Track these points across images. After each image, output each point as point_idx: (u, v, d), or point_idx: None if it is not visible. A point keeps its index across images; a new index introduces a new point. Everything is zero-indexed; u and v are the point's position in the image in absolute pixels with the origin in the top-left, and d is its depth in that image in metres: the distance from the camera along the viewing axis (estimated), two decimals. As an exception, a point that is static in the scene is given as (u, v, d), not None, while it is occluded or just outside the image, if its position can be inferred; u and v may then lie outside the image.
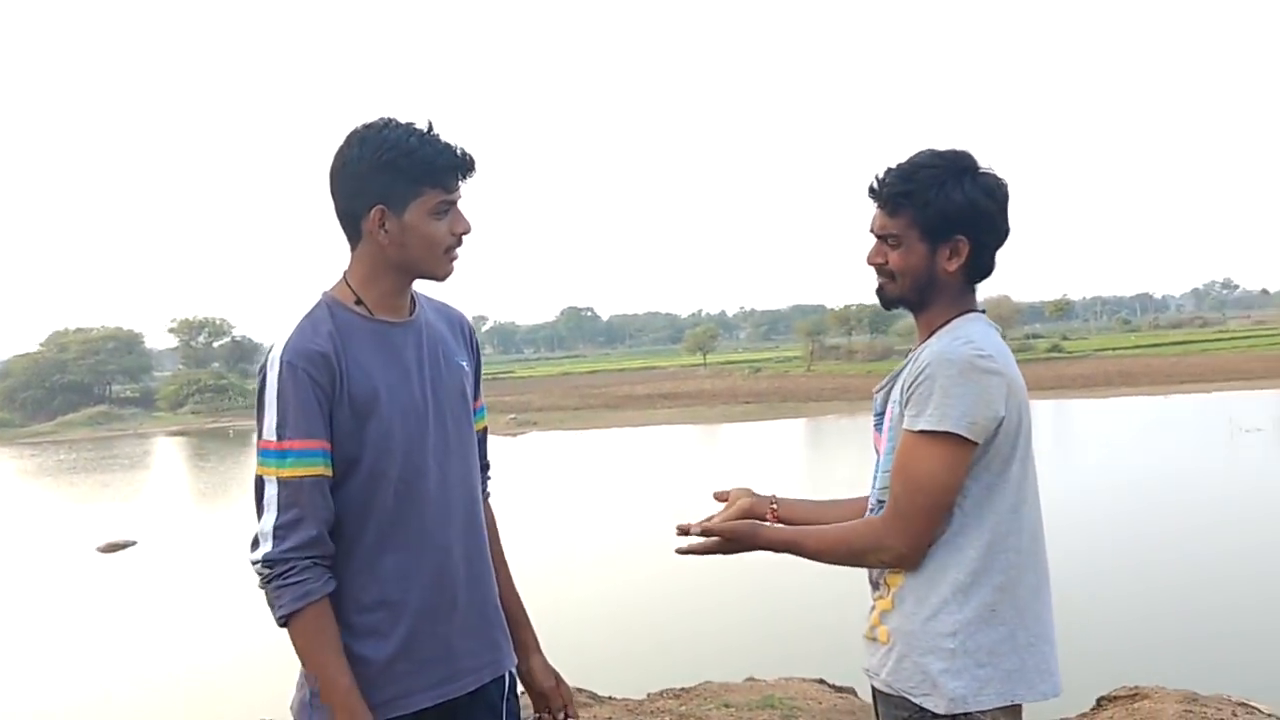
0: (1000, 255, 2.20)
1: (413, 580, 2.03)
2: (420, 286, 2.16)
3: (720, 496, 2.38)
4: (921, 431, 2.01)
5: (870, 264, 2.20)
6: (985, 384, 2.00)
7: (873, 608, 2.20)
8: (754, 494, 2.36)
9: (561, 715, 2.29)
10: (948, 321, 2.14)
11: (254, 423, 2.02)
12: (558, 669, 2.36)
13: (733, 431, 36.13)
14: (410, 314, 2.12)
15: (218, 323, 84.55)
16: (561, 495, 21.31)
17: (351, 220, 2.03)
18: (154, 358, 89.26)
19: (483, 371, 2.32)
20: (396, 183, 1.97)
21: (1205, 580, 11.46)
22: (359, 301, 2.04)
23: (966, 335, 2.07)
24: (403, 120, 2.01)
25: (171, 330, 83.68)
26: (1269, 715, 5.43)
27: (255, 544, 1.94)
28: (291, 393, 1.92)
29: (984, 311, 2.20)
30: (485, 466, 2.31)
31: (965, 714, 2.02)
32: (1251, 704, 5.63)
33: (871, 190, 2.16)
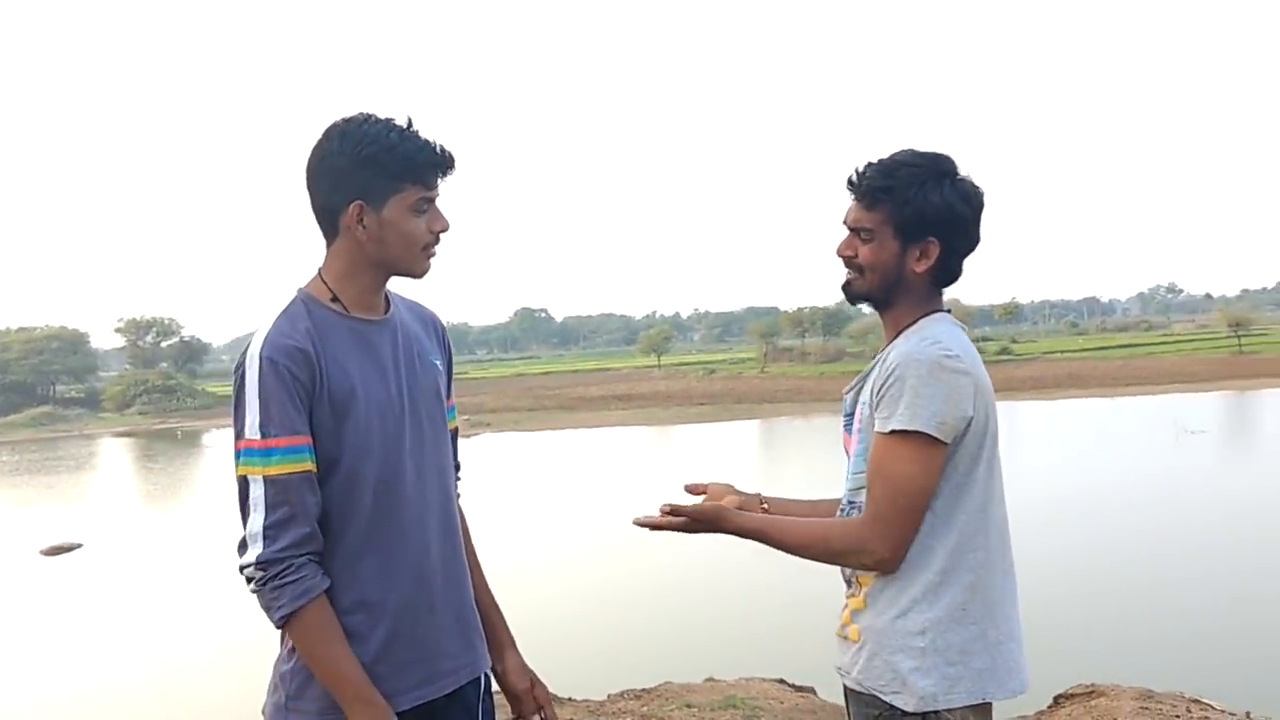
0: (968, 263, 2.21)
1: (392, 581, 2.00)
2: (392, 284, 2.13)
3: (694, 489, 2.33)
4: (893, 432, 2.00)
5: (840, 255, 2.19)
6: (954, 384, 2.00)
7: (845, 605, 2.20)
8: (737, 491, 2.32)
9: (537, 718, 2.25)
10: (914, 321, 2.14)
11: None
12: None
13: (687, 433, 36.22)
14: (385, 312, 2.09)
15: (166, 322, 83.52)
16: (516, 497, 21.20)
17: (329, 215, 2.00)
18: (100, 358, 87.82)
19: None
20: (376, 178, 1.94)
21: (1158, 580, 11.66)
22: (335, 299, 2.01)
23: (934, 336, 2.07)
24: (380, 116, 1.99)
25: (118, 330, 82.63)
26: (1221, 711, 5.51)
27: (243, 547, 1.89)
28: (273, 390, 1.88)
29: (949, 312, 2.20)
30: (456, 466, 2.27)
31: (934, 712, 2.02)
32: (1204, 701, 5.73)
33: (850, 182, 2.15)
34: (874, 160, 2.14)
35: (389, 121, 1.96)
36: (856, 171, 2.14)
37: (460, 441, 2.31)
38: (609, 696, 6.26)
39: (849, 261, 2.18)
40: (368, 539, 1.98)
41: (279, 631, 1.97)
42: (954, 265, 2.16)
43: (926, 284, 2.15)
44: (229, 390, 2.04)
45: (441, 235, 2.04)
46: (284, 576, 1.86)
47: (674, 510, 2.10)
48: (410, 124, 1.97)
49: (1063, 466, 21.49)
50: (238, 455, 1.91)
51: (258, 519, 1.87)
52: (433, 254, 2.05)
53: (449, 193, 2.04)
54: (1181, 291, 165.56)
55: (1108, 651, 8.46)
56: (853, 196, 2.16)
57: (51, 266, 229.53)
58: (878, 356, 2.20)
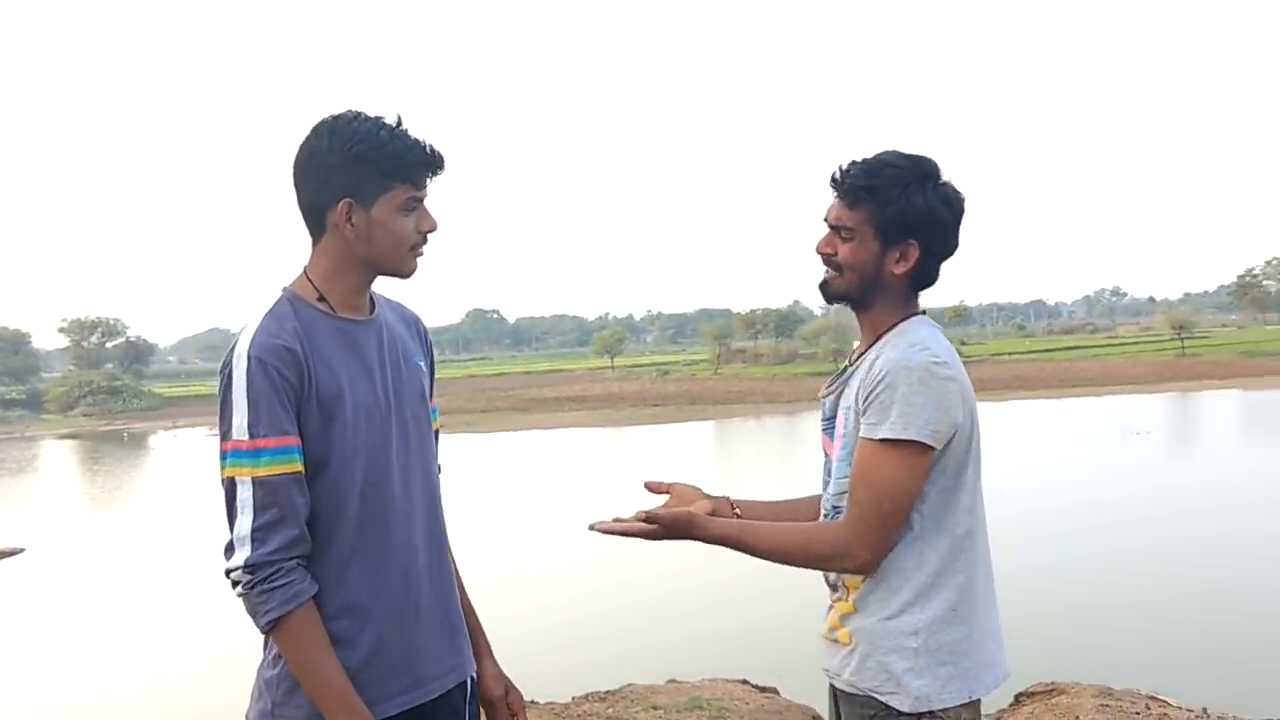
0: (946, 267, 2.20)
1: (380, 586, 1.97)
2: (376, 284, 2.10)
3: (655, 487, 2.29)
4: (884, 440, 2.00)
5: (819, 253, 2.18)
6: (944, 391, 2.01)
7: (830, 609, 2.20)
8: (705, 494, 2.27)
9: None
10: (894, 324, 2.14)
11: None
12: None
13: (642, 434, 36.24)
14: (371, 312, 2.06)
15: (111, 323, 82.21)
16: (471, 499, 21.09)
17: (316, 213, 1.96)
18: (42, 358, 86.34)
19: None
20: (366, 176, 1.91)
21: (1112, 579, 11.82)
22: (321, 298, 1.98)
23: (921, 341, 2.07)
24: (370, 113, 1.96)
25: (62, 330, 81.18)
26: (1179, 708, 5.58)
27: (230, 550, 1.85)
28: (261, 390, 1.84)
29: (925, 313, 2.20)
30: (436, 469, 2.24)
31: (930, 712, 2.04)
32: (1161, 697, 5.81)
33: (833, 180, 2.14)
34: (858, 159, 2.13)
35: (379, 119, 1.94)
36: (840, 169, 2.13)
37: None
38: (573, 699, 6.23)
39: (828, 259, 2.16)
40: (355, 542, 1.95)
41: (264, 636, 1.93)
42: (932, 269, 2.15)
43: (904, 286, 2.15)
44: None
45: (429, 235, 2.01)
46: (272, 581, 1.83)
47: (650, 517, 2.04)
48: (400, 122, 1.95)
49: (1014, 467, 21.73)
50: (224, 456, 1.86)
51: (246, 521, 1.83)
52: (420, 254, 2.03)
53: (435, 192, 2.02)
54: (1126, 295, 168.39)
55: (1066, 650, 8.57)
56: (835, 194, 2.15)
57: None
58: (856, 358, 2.20)
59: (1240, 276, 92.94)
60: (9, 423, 60.75)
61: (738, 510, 2.28)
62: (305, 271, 2.01)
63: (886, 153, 2.13)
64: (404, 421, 2.04)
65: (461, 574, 2.26)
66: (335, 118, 1.94)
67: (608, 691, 6.31)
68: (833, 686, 2.23)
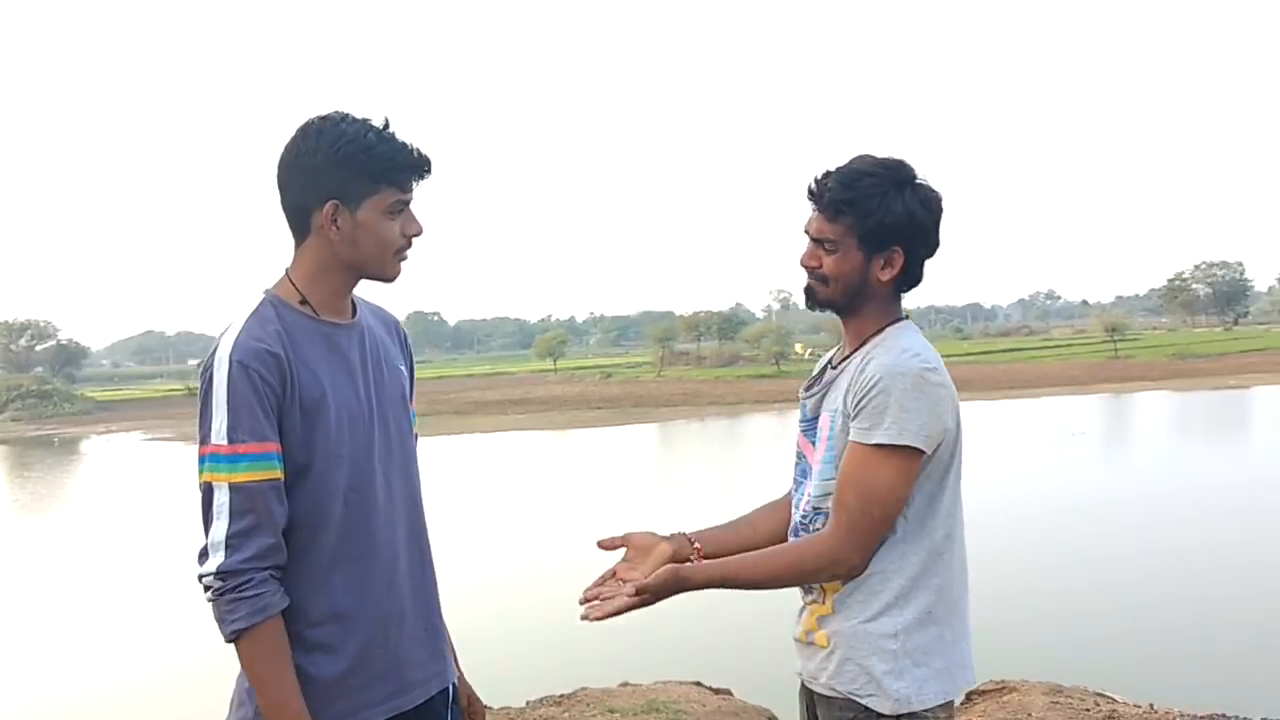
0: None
1: (364, 591, 1.96)
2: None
3: (610, 544, 2.21)
4: (878, 445, 2.01)
5: (804, 266, 2.19)
6: (936, 397, 2.04)
7: (804, 611, 2.21)
8: (658, 536, 2.23)
9: None
10: (880, 330, 2.16)
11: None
12: None
13: (585, 436, 36.16)
14: (352, 315, 2.05)
15: (41, 325, 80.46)
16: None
17: (301, 214, 1.94)
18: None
19: None
20: (354, 179, 1.90)
21: (1055, 579, 11.98)
22: (304, 301, 1.96)
23: (913, 347, 2.09)
24: (356, 115, 1.95)
25: (-11, 332, 79.09)
26: (1124, 703, 5.69)
27: (204, 555, 1.83)
28: (243, 394, 1.82)
29: (908, 317, 2.22)
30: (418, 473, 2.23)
31: (910, 714, 2.06)
32: (1106, 693, 5.92)
33: (811, 192, 2.15)
34: (833, 169, 2.14)
35: (366, 122, 1.92)
36: (816, 180, 2.14)
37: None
38: (528, 703, 6.20)
39: (813, 272, 2.18)
40: (339, 548, 1.93)
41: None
42: (917, 271, 2.18)
43: (890, 291, 2.17)
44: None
45: (414, 239, 2.00)
46: (242, 590, 1.80)
47: (640, 589, 2.01)
48: (387, 124, 1.93)
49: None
50: (202, 461, 1.84)
51: (221, 527, 1.81)
52: (405, 258, 2.01)
53: (421, 196, 2.01)
54: (1060, 298, 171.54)
55: (1014, 648, 8.67)
56: (814, 206, 2.16)
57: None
58: (840, 360, 2.21)
59: (1170, 280, 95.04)
60: (-67, 428, 59.20)
61: (696, 544, 2.25)
62: (287, 273, 1.99)
63: (860, 161, 2.14)
64: (386, 426, 2.02)
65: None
66: (323, 118, 1.92)
67: (562, 695, 6.29)
68: (807, 690, 2.24)
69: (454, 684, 2.17)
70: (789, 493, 2.34)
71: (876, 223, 2.09)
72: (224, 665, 1.97)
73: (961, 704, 5.92)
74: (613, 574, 2.14)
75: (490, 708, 6.07)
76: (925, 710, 2.06)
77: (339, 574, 1.93)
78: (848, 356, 2.19)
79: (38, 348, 79.42)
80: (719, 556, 2.20)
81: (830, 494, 2.11)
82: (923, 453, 2.02)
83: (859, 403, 2.05)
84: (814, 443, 2.21)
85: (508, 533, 15.68)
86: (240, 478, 1.81)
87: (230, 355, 1.84)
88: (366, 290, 2.11)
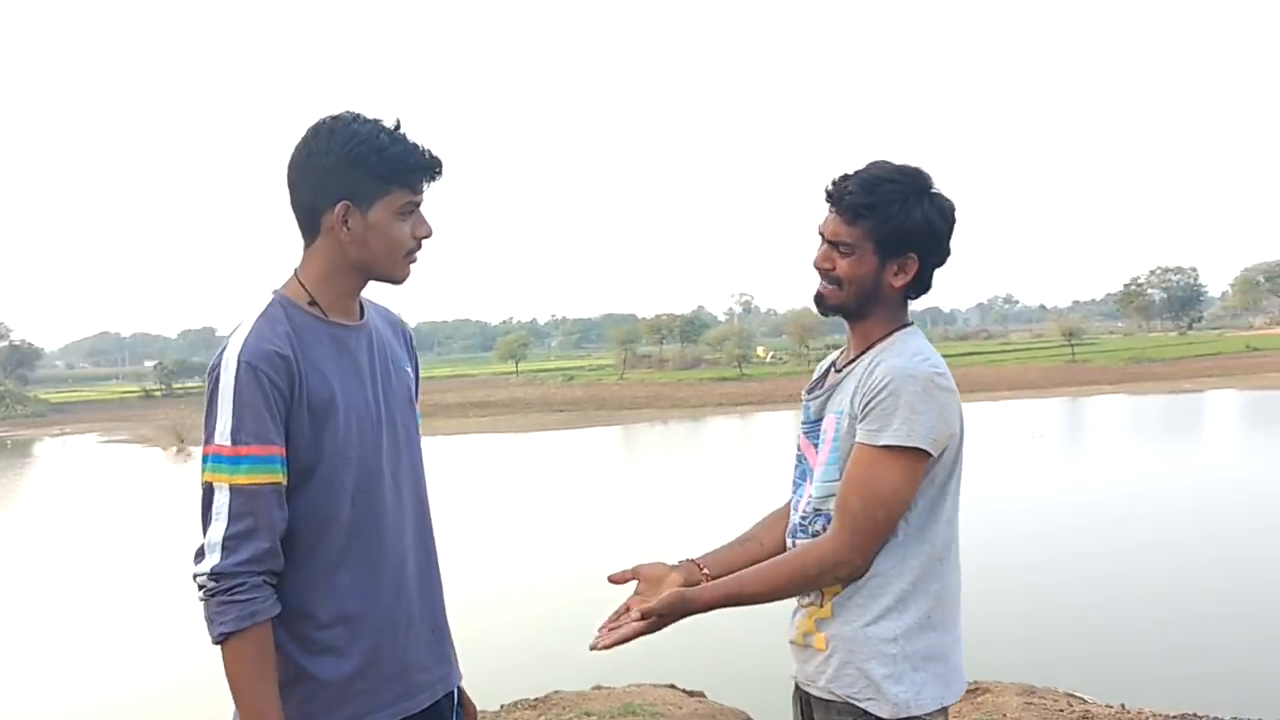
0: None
1: (372, 594, 1.94)
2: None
3: (619, 579, 2.22)
4: (886, 446, 2.02)
5: (817, 267, 2.20)
6: (945, 401, 2.06)
7: (800, 614, 2.20)
8: (667, 566, 2.25)
9: None
10: (888, 334, 2.17)
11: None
12: None
13: (548, 439, 36.07)
14: (361, 317, 2.04)
15: (-7, 325, 78.85)
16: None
17: (311, 214, 1.93)
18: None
19: None
20: (365, 180, 1.89)
21: (1021, 579, 12.08)
22: (313, 302, 1.95)
23: (922, 352, 2.11)
24: (368, 115, 1.94)
25: (-61, 333, 77.55)
26: (1096, 704, 5.75)
27: (200, 555, 1.81)
28: (249, 396, 1.81)
29: (913, 324, 2.23)
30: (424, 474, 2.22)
31: (909, 718, 2.07)
32: (1077, 694, 5.98)
33: (829, 194, 2.16)
34: (852, 173, 2.15)
35: (378, 122, 1.91)
36: (834, 184, 2.15)
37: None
38: (502, 707, 6.17)
39: (826, 274, 2.18)
40: (346, 549, 1.92)
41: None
42: (927, 279, 2.20)
43: (899, 297, 2.19)
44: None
45: (424, 241, 1.99)
46: (234, 594, 1.79)
47: (646, 612, 2.03)
48: (399, 125, 1.92)
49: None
50: (205, 460, 1.83)
51: (219, 528, 1.79)
52: (414, 260, 2.01)
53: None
54: (1018, 303, 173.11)
55: (984, 649, 8.75)
56: (831, 208, 2.16)
57: None
58: (846, 365, 2.22)
59: (1126, 285, 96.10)
60: (-119, 430, 57.98)
61: (705, 570, 2.26)
62: (296, 274, 1.98)
63: (880, 166, 2.16)
64: (394, 427, 2.02)
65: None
66: (334, 118, 1.91)
67: (537, 699, 6.28)
68: (802, 692, 2.24)
69: (459, 687, 2.16)
70: (788, 502, 2.35)
71: (895, 228, 2.10)
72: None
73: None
74: (626, 608, 2.14)
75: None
76: (923, 715, 2.07)
77: (347, 575, 1.92)
78: (853, 360, 2.19)
79: (-11, 349, 78.04)
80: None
81: (832, 495, 2.11)
82: (929, 456, 2.03)
83: (867, 405, 2.06)
84: (817, 444, 2.21)
85: (471, 536, 15.58)
86: (241, 480, 1.80)
87: (239, 356, 1.83)
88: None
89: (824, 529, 2.12)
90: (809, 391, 2.29)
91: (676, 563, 2.26)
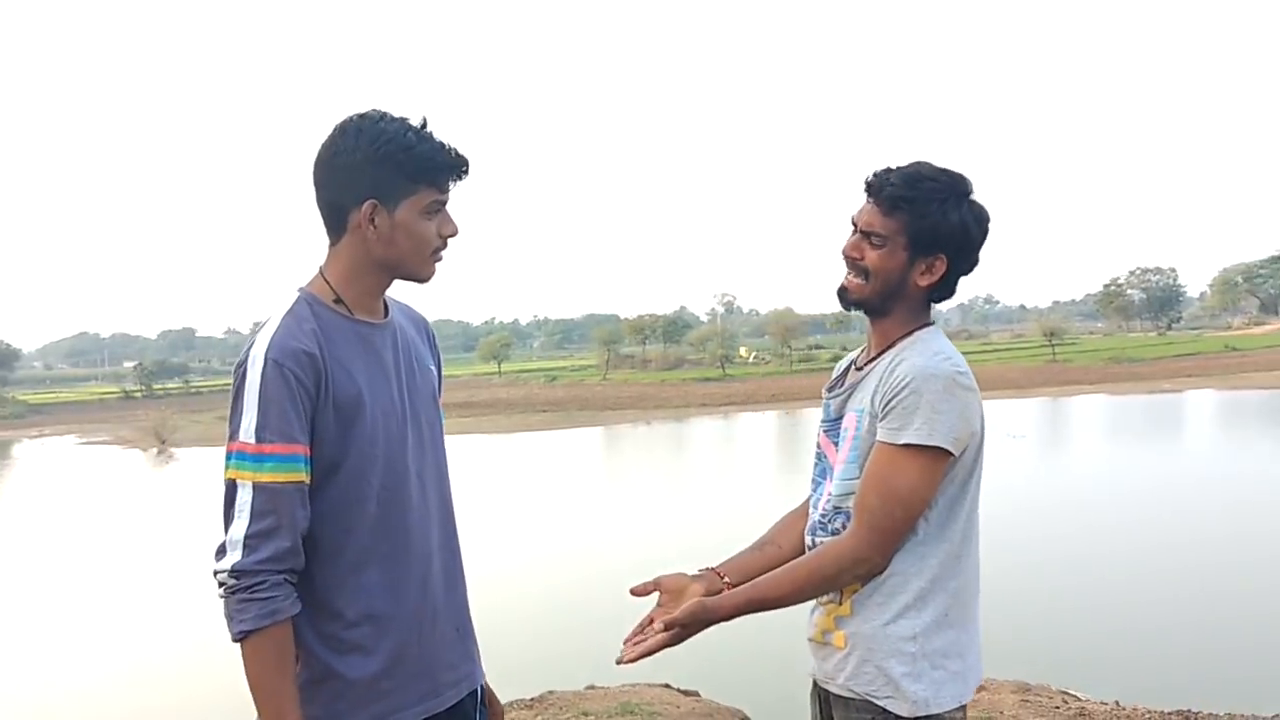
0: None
1: (398, 592, 1.94)
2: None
3: (641, 591, 2.22)
4: (907, 445, 2.02)
5: (845, 255, 2.19)
6: (966, 400, 2.05)
7: (819, 611, 2.20)
8: (687, 576, 2.25)
9: None
10: (909, 333, 2.17)
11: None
12: None
13: (531, 440, 36.07)
14: (385, 315, 2.03)
15: (-31, 326, 78.33)
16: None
17: (337, 212, 1.92)
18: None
19: None
20: (393, 178, 1.88)
21: (1010, 579, 12.13)
22: (338, 300, 1.94)
23: (944, 351, 2.11)
24: (395, 114, 1.93)
25: (-85, 333, 77.00)
26: (1091, 701, 5.79)
27: (221, 552, 1.80)
28: (275, 394, 1.80)
29: (934, 324, 2.23)
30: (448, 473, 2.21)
31: (928, 716, 2.07)
32: (1073, 692, 6.01)
33: (869, 186, 2.16)
34: (895, 166, 2.15)
35: (405, 121, 1.91)
36: (876, 175, 2.15)
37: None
38: (498, 706, 6.12)
39: (854, 263, 2.17)
40: (372, 548, 1.92)
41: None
42: (953, 283, 2.19)
43: (923, 297, 2.18)
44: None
45: (450, 240, 1.99)
46: (254, 591, 1.78)
47: (670, 623, 2.03)
48: (425, 124, 1.92)
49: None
50: (228, 457, 1.82)
51: (240, 526, 1.78)
52: (440, 259, 2.00)
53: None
54: (999, 303, 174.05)
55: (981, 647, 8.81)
56: (869, 198, 2.16)
57: None
58: (866, 363, 2.22)
59: (1106, 285, 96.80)
60: None
61: (725, 578, 2.26)
62: (321, 272, 1.97)
63: (923, 164, 2.16)
64: (419, 425, 2.01)
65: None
66: (362, 117, 1.90)
67: (533, 699, 6.27)
68: (820, 690, 2.24)
69: (483, 685, 2.16)
70: (805, 501, 2.35)
71: (931, 225, 2.10)
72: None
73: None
74: (649, 620, 2.15)
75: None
76: (943, 713, 2.07)
77: (374, 573, 1.91)
78: (874, 358, 2.19)
79: (-34, 350, 77.36)
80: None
81: (851, 493, 2.11)
82: (949, 455, 2.03)
83: (888, 403, 2.05)
84: (837, 443, 2.21)
85: (464, 537, 15.54)
86: (265, 478, 1.79)
87: (266, 354, 1.82)
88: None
89: (844, 526, 2.12)
90: (829, 390, 2.29)
91: (697, 572, 2.27)
